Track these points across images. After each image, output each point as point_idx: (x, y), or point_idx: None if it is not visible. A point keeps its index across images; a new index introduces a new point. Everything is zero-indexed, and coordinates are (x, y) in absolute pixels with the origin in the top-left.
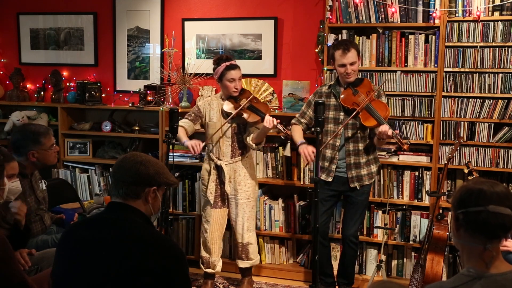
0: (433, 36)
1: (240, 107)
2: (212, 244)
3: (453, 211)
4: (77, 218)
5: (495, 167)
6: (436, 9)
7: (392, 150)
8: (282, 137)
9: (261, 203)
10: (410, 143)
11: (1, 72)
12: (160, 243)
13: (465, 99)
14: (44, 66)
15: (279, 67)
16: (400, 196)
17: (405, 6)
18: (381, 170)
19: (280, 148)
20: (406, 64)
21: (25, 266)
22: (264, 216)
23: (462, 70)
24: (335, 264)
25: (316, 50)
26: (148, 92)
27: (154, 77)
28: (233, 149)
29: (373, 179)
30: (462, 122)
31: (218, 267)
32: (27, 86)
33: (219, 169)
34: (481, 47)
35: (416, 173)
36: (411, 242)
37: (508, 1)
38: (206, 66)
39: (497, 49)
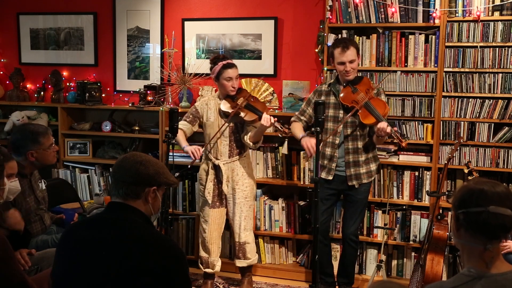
0: (433, 36)
1: (238, 106)
2: (210, 244)
3: (453, 211)
4: (77, 218)
5: (495, 167)
6: (436, 9)
7: (392, 150)
8: (280, 135)
9: (261, 203)
10: (410, 143)
11: (1, 72)
12: (160, 243)
13: (465, 99)
14: (44, 66)
15: (279, 67)
16: (400, 196)
17: (405, 6)
18: (381, 170)
19: (280, 148)
20: (406, 64)
21: (25, 266)
22: (264, 216)
23: (462, 70)
24: (335, 264)
25: (316, 50)
26: (148, 92)
27: (154, 77)
28: (231, 148)
29: (373, 178)
30: (462, 122)
31: (217, 267)
32: (27, 86)
33: (217, 168)
34: (481, 47)
35: (416, 173)
36: (411, 242)
37: (508, 1)
38: (206, 66)
39: (497, 49)
